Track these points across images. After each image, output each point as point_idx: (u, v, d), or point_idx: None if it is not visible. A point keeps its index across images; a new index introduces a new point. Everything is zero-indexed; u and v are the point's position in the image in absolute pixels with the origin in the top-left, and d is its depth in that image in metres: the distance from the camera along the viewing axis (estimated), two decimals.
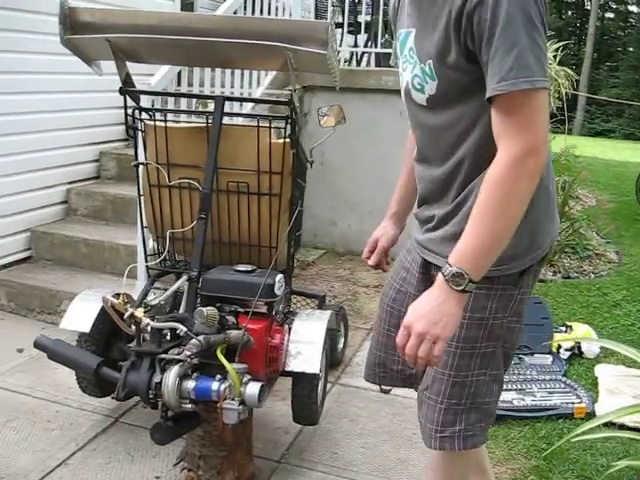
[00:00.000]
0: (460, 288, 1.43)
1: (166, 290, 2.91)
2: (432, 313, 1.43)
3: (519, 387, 3.28)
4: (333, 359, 3.48)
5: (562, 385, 3.33)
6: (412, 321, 1.45)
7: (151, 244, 3.22)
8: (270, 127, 2.66)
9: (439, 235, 1.69)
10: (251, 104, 4.31)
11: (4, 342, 3.62)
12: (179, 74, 4.31)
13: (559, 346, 3.67)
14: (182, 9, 5.94)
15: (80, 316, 2.75)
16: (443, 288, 1.44)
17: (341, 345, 3.62)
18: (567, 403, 3.14)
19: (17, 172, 4.25)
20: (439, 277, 1.46)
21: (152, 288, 2.93)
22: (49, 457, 2.69)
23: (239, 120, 3.12)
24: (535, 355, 3.60)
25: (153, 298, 2.73)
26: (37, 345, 2.40)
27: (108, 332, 2.74)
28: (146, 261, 2.99)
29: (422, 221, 1.79)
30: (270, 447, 2.83)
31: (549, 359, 3.58)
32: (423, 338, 1.43)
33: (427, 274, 1.77)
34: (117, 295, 2.33)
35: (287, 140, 2.67)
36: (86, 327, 2.71)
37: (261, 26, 2.34)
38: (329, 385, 3.36)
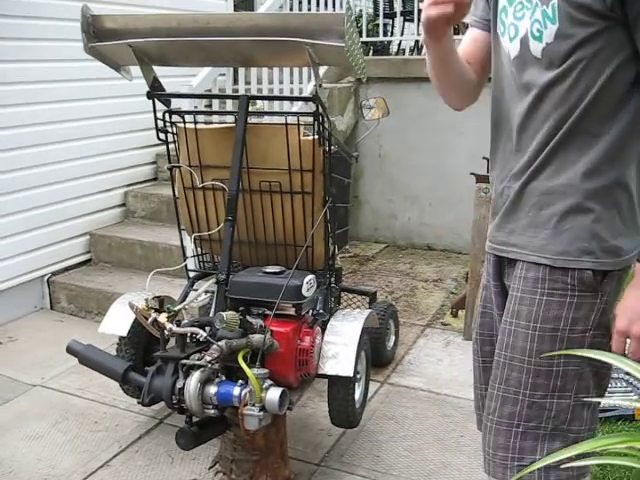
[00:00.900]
0: None
1: (207, 292, 2.93)
2: None
3: None
4: (382, 358, 3.41)
5: (624, 384, 3.13)
6: (627, 324, 1.33)
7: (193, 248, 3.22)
8: (298, 124, 2.60)
9: (526, 222, 1.49)
10: (301, 103, 4.26)
11: (62, 344, 3.64)
12: (235, 73, 4.31)
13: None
14: (240, 8, 5.96)
15: (118, 320, 2.77)
16: None
17: (391, 343, 3.54)
18: (628, 404, 2.96)
19: (77, 177, 4.36)
20: (637, 266, 1.33)
21: (192, 290, 2.93)
22: (92, 458, 2.74)
23: (273, 119, 3.08)
24: None
25: (189, 301, 2.75)
26: (69, 350, 2.44)
27: (148, 336, 2.75)
28: (185, 264, 2.99)
29: (502, 211, 1.57)
30: (311, 450, 2.79)
31: None
32: None
33: (502, 284, 1.60)
34: (155, 299, 2.33)
35: (316, 137, 2.61)
36: (123, 331, 2.74)
37: (278, 22, 2.29)
38: (377, 385, 3.30)
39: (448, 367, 3.51)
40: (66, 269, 4.36)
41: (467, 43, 1.67)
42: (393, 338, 3.57)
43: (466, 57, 1.62)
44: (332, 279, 2.92)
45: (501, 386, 1.51)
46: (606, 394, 3.00)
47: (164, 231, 4.42)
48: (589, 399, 1.47)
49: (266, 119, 3.27)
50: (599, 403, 1.54)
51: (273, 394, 2.11)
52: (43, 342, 3.81)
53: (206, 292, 2.87)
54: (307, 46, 2.28)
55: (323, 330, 2.58)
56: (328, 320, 2.65)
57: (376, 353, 3.23)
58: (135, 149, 4.79)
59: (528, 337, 1.46)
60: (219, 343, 2.13)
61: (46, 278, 4.25)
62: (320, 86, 2.51)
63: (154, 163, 4.96)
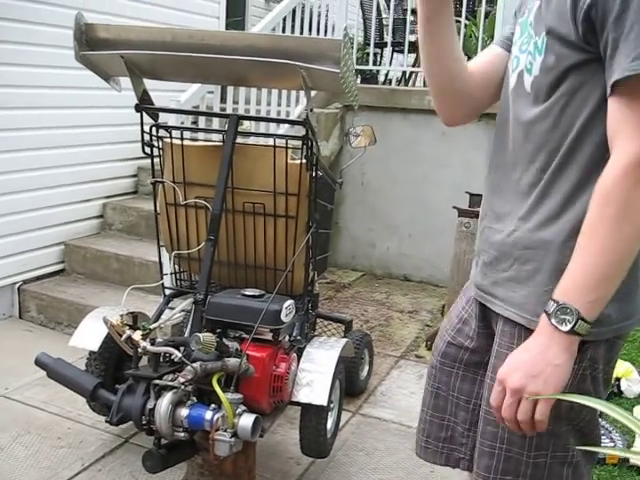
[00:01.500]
0: (568, 328, 1.16)
1: (183, 311, 2.88)
2: (531, 363, 1.19)
3: None
4: (355, 387, 3.38)
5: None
6: (507, 373, 1.23)
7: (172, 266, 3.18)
8: (287, 147, 2.58)
9: (508, 275, 1.39)
10: (287, 125, 4.24)
11: (29, 354, 3.56)
12: (223, 92, 4.29)
13: (617, 379, 3.47)
14: (231, 27, 5.96)
15: (90, 334, 2.71)
16: (546, 330, 1.18)
17: (365, 373, 3.50)
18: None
19: (55, 185, 4.29)
20: (542, 318, 1.21)
21: (167, 308, 2.88)
22: (54, 475, 2.66)
23: (260, 140, 3.06)
24: None
25: (165, 320, 2.70)
26: (37, 363, 2.36)
27: (119, 352, 2.69)
28: (162, 281, 2.94)
29: (485, 257, 1.48)
30: (279, 478, 2.73)
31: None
32: (520, 396, 1.20)
33: (488, 329, 1.52)
34: (129, 315, 2.28)
35: (304, 161, 2.59)
36: (94, 346, 2.68)
37: (273, 43, 2.27)
38: (349, 415, 3.25)
39: (420, 401, 3.47)
40: (38, 278, 4.27)
41: (484, 54, 1.60)
42: (367, 368, 3.53)
43: (476, 65, 1.55)
44: (309, 305, 2.89)
45: (479, 438, 1.46)
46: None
47: (141, 246, 4.35)
48: (567, 456, 1.38)
49: (252, 140, 3.25)
50: (586, 461, 1.42)
51: (246, 420, 2.06)
52: (9, 351, 3.71)
53: (182, 311, 2.82)
54: (301, 70, 2.27)
55: (299, 357, 2.55)
56: (304, 347, 2.61)
57: (349, 382, 3.19)
58: (116, 161, 4.73)
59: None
60: (194, 365, 2.08)
61: (17, 286, 4.16)
62: (311, 110, 2.50)
63: (135, 176, 4.91)
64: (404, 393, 3.54)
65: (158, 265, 3.83)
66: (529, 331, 1.29)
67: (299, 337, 2.64)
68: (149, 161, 4.84)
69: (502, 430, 1.38)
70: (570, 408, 1.33)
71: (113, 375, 2.74)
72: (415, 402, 3.44)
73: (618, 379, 3.50)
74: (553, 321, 1.17)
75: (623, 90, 1.15)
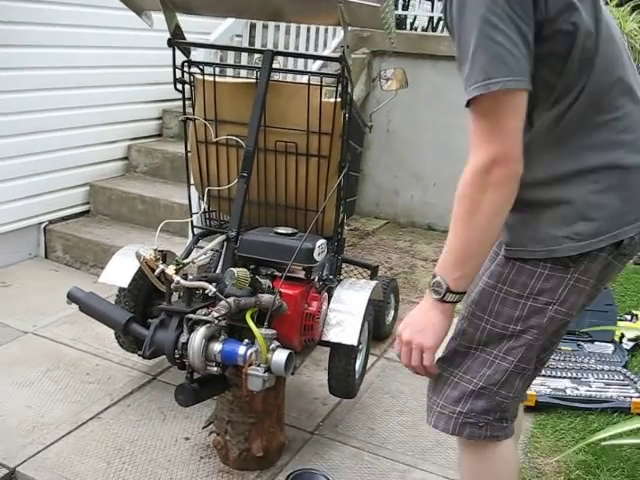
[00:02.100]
0: (439, 297, 1.42)
1: (212, 250, 2.87)
2: (417, 322, 1.46)
3: (574, 375, 3.09)
4: (381, 332, 3.38)
5: (621, 377, 3.12)
6: (402, 329, 1.49)
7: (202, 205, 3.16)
8: (321, 85, 2.53)
9: None
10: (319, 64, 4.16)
11: (56, 293, 3.65)
12: (251, 36, 4.21)
13: (622, 335, 3.45)
14: None
15: (120, 271, 2.71)
16: (427, 297, 1.45)
17: (390, 318, 3.50)
18: (624, 397, 2.94)
19: (80, 126, 4.26)
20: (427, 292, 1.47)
21: (196, 247, 2.87)
22: (83, 409, 2.69)
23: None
24: (595, 343, 3.40)
25: (197, 256, 2.69)
26: (70, 297, 2.38)
27: (149, 289, 2.70)
28: (191, 219, 2.93)
29: None
30: (305, 417, 2.75)
31: (610, 348, 3.37)
32: (410, 346, 1.47)
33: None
34: (155, 252, 2.28)
35: (338, 100, 2.54)
36: (124, 282, 2.67)
37: None
38: (374, 358, 3.26)
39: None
40: (63, 218, 4.28)
41: None
42: (392, 313, 3.53)
43: None
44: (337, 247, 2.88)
45: (457, 337, 1.58)
46: (603, 386, 2.99)
47: (166, 188, 4.34)
48: (526, 370, 1.53)
49: (284, 77, 3.19)
50: (533, 376, 1.60)
51: (280, 356, 2.06)
52: (36, 290, 3.74)
53: (210, 250, 2.81)
54: (340, 3, 2.21)
55: (329, 297, 2.54)
56: (334, 288, 2.60)
57: (375, 326, 3.18)
58: (142, 103, 4.69)
59: (492, 297, 1.50)
60: (228, 300, 2.07)
61: (43, 226, 4.17)
62: (347, 47, 2.44)
63: (160, 119, 4.87)
64: None
65: (183, 207, 3.83)
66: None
67: (330, 276, 2.62)
68: (174, 104, 4.86)
69: (480, 333, 1.52)
70: (552, 321, 1.48)
71: (142, 312, 2.74)
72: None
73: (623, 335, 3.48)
74: (431, 292, 1.44)
75: (471, 107, 1.32)
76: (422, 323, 1.45)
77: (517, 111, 1.30)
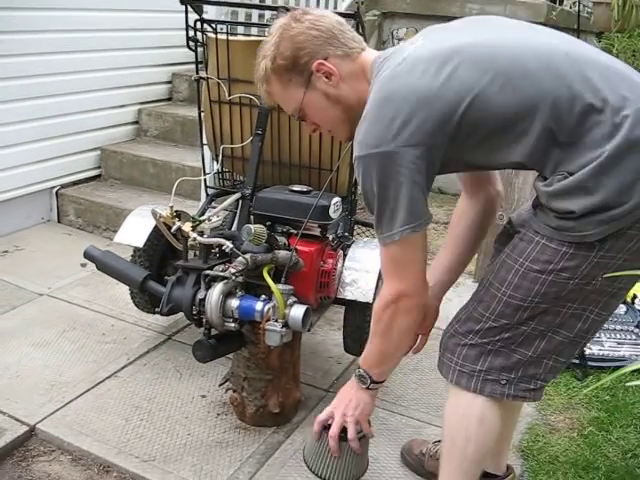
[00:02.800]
0: (365, 386, 1.73)
1: (226, 210, 2.87)
2: (349, 400, 1.76)
3: None
4: None
5: (633, 337, 3.12)
6: (337, 405, 1.77)
7: (215, 165, 3.15)
8: None
9: None
10: None
11: (69, 256, 3.67)
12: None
13: (634, 296, 3.44)
14: None
15: (134, 231, 2.71)
16: (356, 384, 1.75)
17: None
18: (637, 356, 2.95)
19: (90, 89, 4.24)
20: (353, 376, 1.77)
21: (210, 207, 2.88)
22: (100, 368, 2.71)
23: None
24: None
25: (214, 213, 2.69)
26: (86, 255, 2.39)
27: (163, 249, 2.71)
28: (205, 180, 2.93)
29: None
30: (320, 375, 2.77)
31: (622, 308, 3.36)
32: (344, 419, 1.74)
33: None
34: (171, 209, 2.28)
35: None
36: (140, 242, 2.67)
37: None
38: None
39: (457, 307, 3.43)
40: (75, 183, 4.28)
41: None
42: None
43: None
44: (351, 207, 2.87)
45: (474, 304, 1.66)
46: (615, 345, 2.99)
47: (177, 151, 4.34)
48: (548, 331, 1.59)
49: None
50: (560, 340, 1.60)
51: (297, 311, 2.07)
52: (50, 253, 3.76)
53: (225, 210, 2.81)
54: None
55: (344, 256, 2.54)
56: (349, 246, 2.60)
57: None
58: (151, 66, 4.66)
59: (512, 270, 1.55)
60: (245, 256, 2.08)
61: (55, 190, 4.18)
62: (362, 3, 2.41)
63: (169, 82, 4.84)
64: None
65: (195, 170, 3.83)
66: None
67: (346, 234, 2.62)
68: (184, 67, 4.83)
69: (496, 304, 1.59)
70: (576, 292, 1.52)
71: (157, 272, 2.75)
72: (451, 308, 3.40)
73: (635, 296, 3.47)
74: (358, 381, 1.74)
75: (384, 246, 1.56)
76: (355, 401, 1.74)
77: (415, 251, 1.55)
